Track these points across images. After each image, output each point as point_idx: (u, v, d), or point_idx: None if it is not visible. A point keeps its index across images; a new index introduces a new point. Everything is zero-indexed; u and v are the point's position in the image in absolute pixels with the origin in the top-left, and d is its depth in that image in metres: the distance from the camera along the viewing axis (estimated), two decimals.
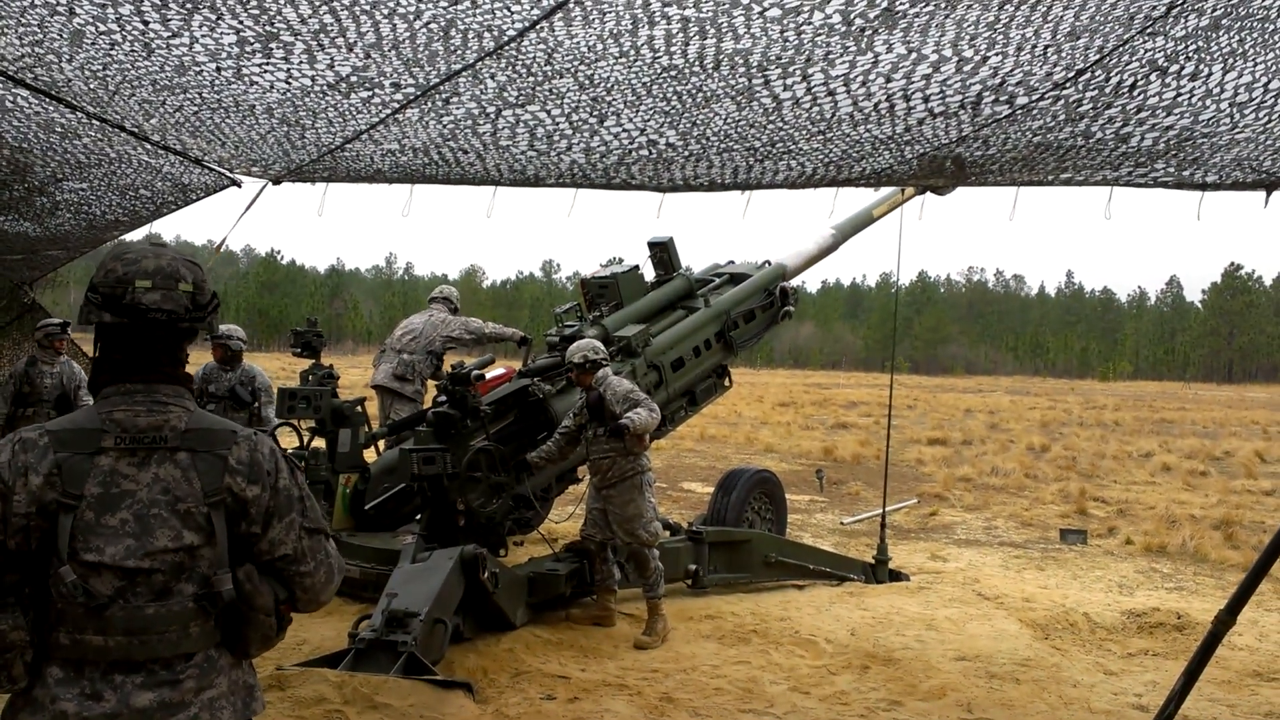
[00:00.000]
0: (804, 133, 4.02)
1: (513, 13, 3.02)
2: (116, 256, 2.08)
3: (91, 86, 3.82)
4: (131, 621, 1.96)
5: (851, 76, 3.41)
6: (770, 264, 9.70)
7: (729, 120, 3.91)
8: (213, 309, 2.15)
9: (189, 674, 2.00)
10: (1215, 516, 12.79)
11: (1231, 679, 6.11)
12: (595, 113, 3.88)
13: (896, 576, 8.47)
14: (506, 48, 3.26)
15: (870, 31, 3.04)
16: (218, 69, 3.55)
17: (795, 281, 9.85)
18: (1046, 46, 3.14)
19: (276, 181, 5.10)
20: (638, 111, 3.86)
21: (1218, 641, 4.12)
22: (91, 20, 3.19)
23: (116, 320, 2.04)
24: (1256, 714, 5.51)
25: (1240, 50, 3.13)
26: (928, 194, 7.91)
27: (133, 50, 3.41)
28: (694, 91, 3.62)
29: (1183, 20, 2.97)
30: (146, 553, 1.97)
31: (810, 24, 2.99)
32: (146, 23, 3.17)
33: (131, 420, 2.02)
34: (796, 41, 3.13)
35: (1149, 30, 3.01)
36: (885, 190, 9.58)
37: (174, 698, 1.98)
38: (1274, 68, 3.24)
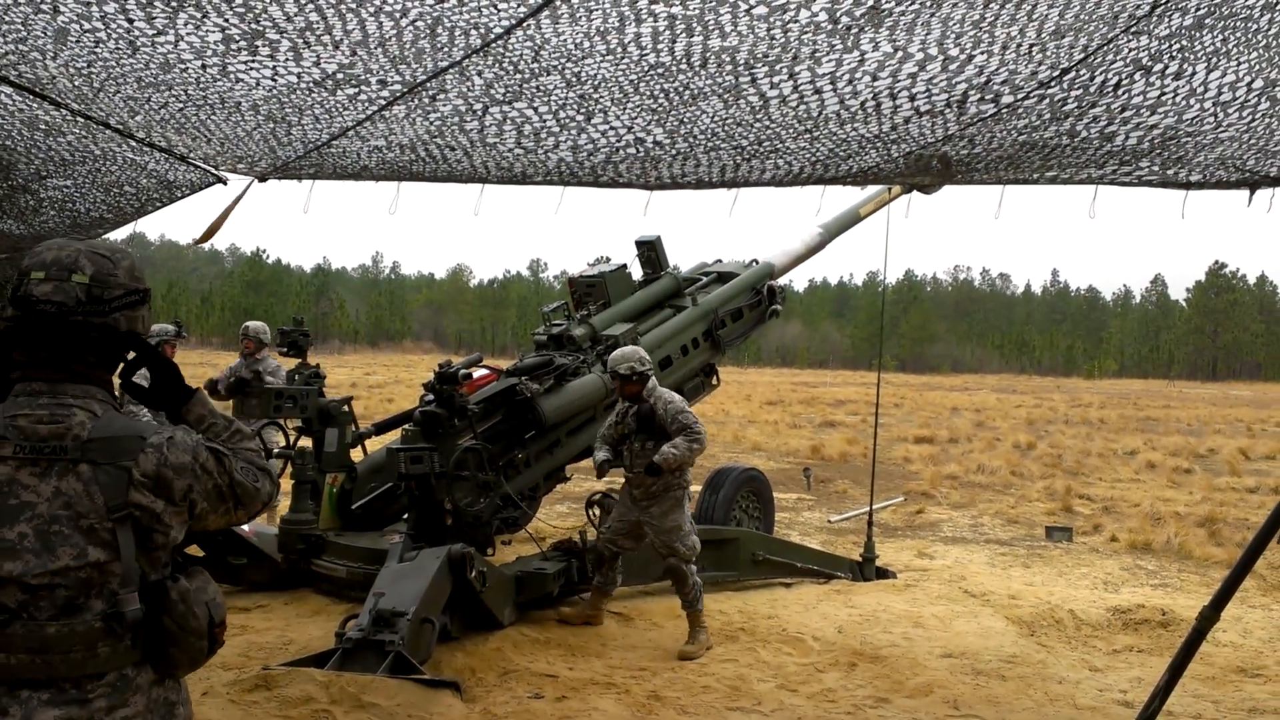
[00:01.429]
0: (791, 131, 4.03)
1: (499, 10, 3.02)
2: (30, 250, 2.03)
3: (76, 84, 3.80)
4: (32, 639, 1.88)
5: (838, 75, 3.42)
6: (758, 263, 9.72)
7: (716, 118, 3.92)
8: (123, 304, 2.03)
9: (99, 693, 1.91)
10: (1199, 514, 12.87)
11: (1216, 675, 6.15)
12: (582, 110, 3.88)
13: (883, 574, 8.50)
14: (493, 45, 3.26)
15: (856, 30, 3.05)
16: (203, 66, 3.53)
17: (783, 280, 9.88)
18: (1032, 45, 3.15)
19: (262, 179, 5.09)
20: (625, 109, 3.86)
21: (1202, 638, 4.15)
22: (76, 18, 3.18)
23: (15, 313, 1.98)
24: (1240, 710, 5.55)
25: (1224, 49, 3.15)
26: (914, 192, 7.92)
27: (117, 48, 3.40)
28: (681, 89, 3.63)
29: (1167, 19, 2.99)
30: (48, 571, 1.88)
31: (797, 22, 3.00)
32: (131, 20, 3.16)
33: (33, 428, 1.93)
34: (783, 39, 3.14)
35: (1133, 29, 3.03)
36: (872, 189, 9.60)
37: (82, 716, 1.89)
38: (1257, 67, 3.26)
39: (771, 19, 2.99)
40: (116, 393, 2.13)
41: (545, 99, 3.77)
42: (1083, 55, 3.23)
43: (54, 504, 1.90)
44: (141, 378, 2.17)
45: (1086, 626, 7.17)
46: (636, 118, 3.94)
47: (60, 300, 1.96)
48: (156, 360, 2.15)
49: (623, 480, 6.70)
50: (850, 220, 10.12)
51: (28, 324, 1.98)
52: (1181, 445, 22.01)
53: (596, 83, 3.59)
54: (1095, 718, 5.33)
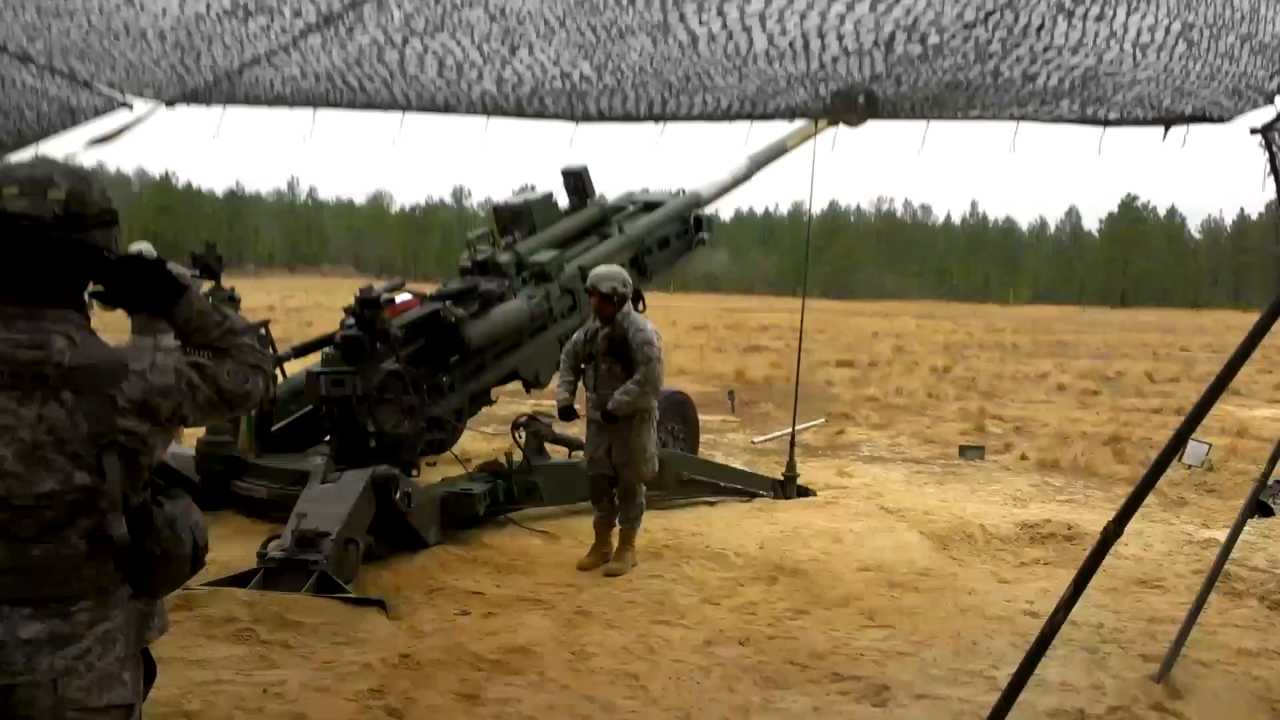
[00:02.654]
0: (719, 69, 4.02)
1: None
2: (1, 166, 1.97)
3: None
4: (16, 560, 1.89)
5: (767, 13, 3.41)
6: (685, 192, 9.70)
7: (644, 54, 3.88)
8: (99, 223, 2.00)
9: (82, 607, 1.93)
10: (1106, 433, 13.36)
11: (1118, 586, 6.44)
12: (506, 43, 3.80)
13: (804, 492, 8.69)
14: None
15: None
16: None
17: (709, 209, 9.88)
18: None
19: (170, 104, 4.91)
20: (551, 43, 3.80)
21: (1105, 551, 4.32)
22: None
23: None
24: (1140, 619, 5.82)
25: None
26: (840, 125, 7.94)
27: None
28: (609, 25, 3.58)
29: None
30: (32, 494, 1.87)
31: None
32: None
33: (12, 353, 1.88)
34: None
35: None
36: (799, 120, 9.61)
37: (64, 630, 1.91)
38: (1175, 10, 3.33)
39: None
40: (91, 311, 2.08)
41: (468, 30, 3.68)
42: None
43: (38, 429, 1.88)
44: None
45: (996, 540, 7.44)
46: (563, 53, 3.88)
47: (37, 215, 1.92)
48: (139, 264, 2.06)
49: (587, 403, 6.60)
50: (777, 152, 10.11)
51: (1, 242, 1.92)
52: (1090, 369, 22.75)
53: (521, 16, 3.52)
54: (1004, 627, 5.56)
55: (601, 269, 6.61)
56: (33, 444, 1.87)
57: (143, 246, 8.30)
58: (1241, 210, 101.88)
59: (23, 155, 6.38)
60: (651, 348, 6.38)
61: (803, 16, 3.43)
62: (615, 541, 6.46)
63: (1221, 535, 5.76)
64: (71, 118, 5.41)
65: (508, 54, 3.90)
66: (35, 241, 1.93)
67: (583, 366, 6.62)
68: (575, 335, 6.78)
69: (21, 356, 1.89)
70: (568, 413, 6.69)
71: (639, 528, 6.45)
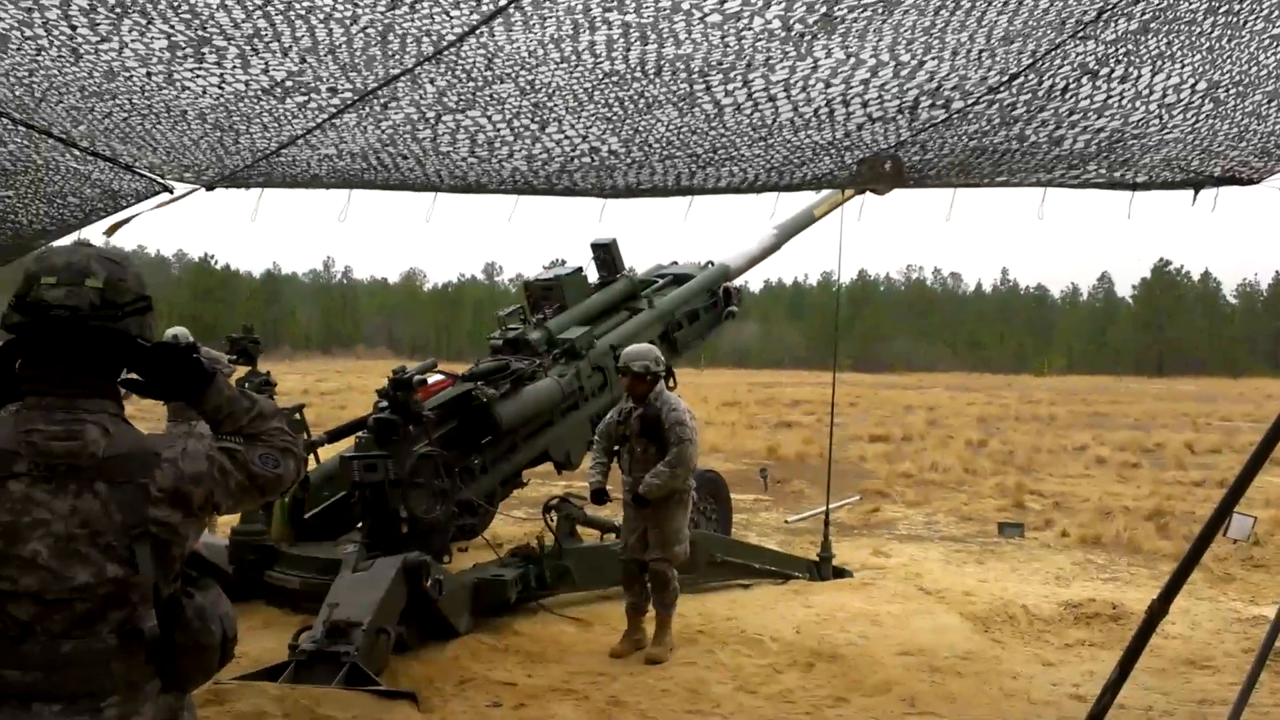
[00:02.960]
0: (745, 139, 4.05)
1: (452, 18, 2.99)
2: (35, 257, 1.99)
3: (17, 93, 3.72)
4: (48, 657, 1.87)
5: (791, 82, 3.44)
6: (714, 264, 9.74)
7: (671, 126, 3.92)
8: (135, 310, 2.00)
9: (111, 702, 1.91)
10: (1147, 508, 13.09)
11: (1166, 667, 6.26)
12: (537, 119, 3.86)
13: (840, 573, 8.55)
14: (446, 53, 3.23)
15: (810, 37, 3.06)
16: (148, 74, 3.46)
17: (738, 281, 9.91)
18: (981, 51, 3.19)
19: (210, 187, 5.01)
20: (579, 118, 3.85)
21: (1152, 630, 4.21)
22: (16, 25, 3.09)
23: (23, 320, 1.93)
24: (1190, 701, 5.65)
25: (1168, 52, 3.21)
26: (867, 194, 7.98)
27: (60, 55, 3.32)
28: (635, 97, 3.62)
29: (1113, 24, 3.03)
30: (66, 588, 1.86)
31: (750, 29, 3.01)
32: (74, 27, 3.08)
33: (47, 445, 1.89)
34: (737, 47, 3.15)
35: (1080, 34, 3.08)
36: (826, 190, 9.67)
37: None
38: (1200, 69, 3.33)
39: (725, 27, 3.00)
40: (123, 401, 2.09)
41: (499, 107, 3.74)
42: (1031, 60, 3.27)
43: (71, 522, 1.87)
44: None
45: (1039, 621, 7.27)
46: (591, 126, 3.93)
47: (75, 305, 1.92)
48: (171, 351, 2.08)
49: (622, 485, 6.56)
50: (804, 222, 10.17)
51: (38, 331, 1.93)
52: (1129, 440, 22.39)
53: (550, 91, 3.57)
54: (1049, 712, 5.40)
55: (633, 348, 6.59)
56: (66, 537, 1.87)
57: (178, 331, 8.40)
58: (1277, 273, 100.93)
59: (64, 241, 6.53)
60: (684, 428, 6.33)
61: (827, 84, 3.46)
62: (649, 628, 6.36)
63: (1271, 611, 5.60)
64: (114, 202, 5.53)
65: (538, 130, 3.96)
66: (72, 331, 1.93)
67: (616, 448, 6.57)
68: (608, 416, 6.75)
69: (56, 449, 1.89)
70: (600, 495, 6.64)
71: (674, 613, 6.33)
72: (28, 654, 1.87)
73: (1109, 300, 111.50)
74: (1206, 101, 3.57)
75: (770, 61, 3.25)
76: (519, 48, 3.21)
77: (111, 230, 5.21)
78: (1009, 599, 7.68)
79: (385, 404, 6.66)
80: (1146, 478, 16.46)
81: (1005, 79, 3.41)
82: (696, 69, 3.34)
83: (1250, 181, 4.43)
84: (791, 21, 2.96)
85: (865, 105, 3.63)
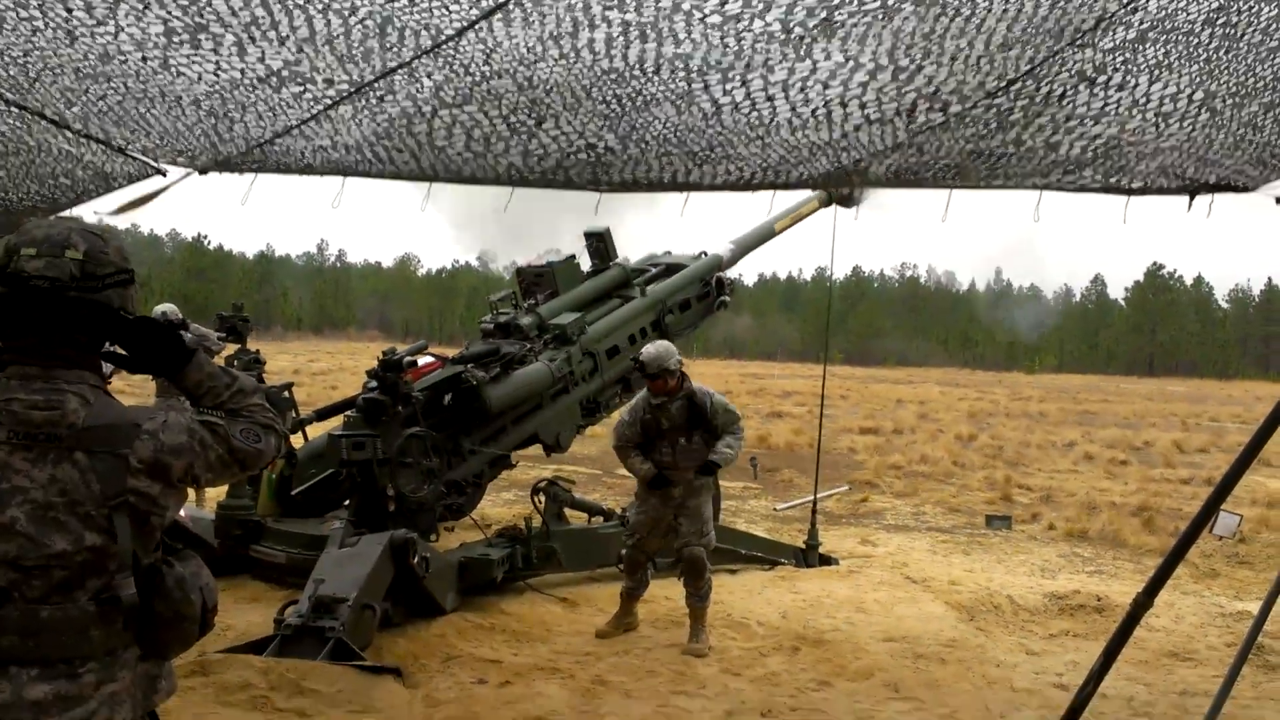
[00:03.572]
0: (743, 138, 4.04)
1: (451, 12, 2.97)
2: (18, 229, 1.98)
3: (11, 73, 3.69)
4: (26, 622, 1.88)
5: (790, 83, 3.44)
6: (706, 255, 9.74)
7: (668, 124, 3.92)
8: (116, 282, 2.00)
9: (89, 668, 1.92)
10: (1134, 503, 13.15)
11: (1149, 659, 6.29)
12: (534, 115, 3.85)
13: (827, 561, 8.57)
14: (444, 46, 3.21)
15: (809, 40, 3.06)
16: (143, 58, 3.44)
17: (732, 273, 9.90)
18: (980, 57, 3.19)
19: (203, 171, 4.99)
20: (577, 114, 3.84)
21: (1135, 622, 4.23)
22: (12, 5, 3.07)
23: (2, 291, 1.94)
24: (1171, 692, 5.68)
25: (1166, 62, 3.21)
26: (835, 208, 8.01)
27: (55, 37, 3.30)
28: (634, 95, 3.61)
29: (1111, 33, 3.04)
30: (43, 555, 1.87)
31: (750, 31, 3.01)
32: (70, 9, 3.06)
33: (26, 414, 1.90)
34: (736, 48, 3.14)
35: (1078, 42, 3.08)
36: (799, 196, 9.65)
37: (71, 691, 1.89)
38: (1198, 79, 3.33)
39: (725, 28, 2.99)
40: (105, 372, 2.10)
41: (496, 103, 3.73)
42: (1029, 67, 3.27)
43: (49, 490, 1.88)
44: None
45: (1024, 612, 7.30)
46: (589, 123, 3.92)
47: (54, 276, 1.93)
48: (151, 326, 2.08)
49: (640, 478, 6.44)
50: (799, 213, 10.16)
51: (18, 301, 1.93)
52: (1118, 438, 22.47)
53: (548, 87, 3.56)
54: (1032, 700, 5.42)
55: (652, 349, 6.51)
56: (45, 505, 1.88)
57: (166, 308, 8.37)
58: (1269, 280, 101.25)
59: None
60: (732, 411, 6.47)
61: (825, 86, 3.45)
62: (638, 614, 6.43)
63: (1254, 607, 5.63)
64: (106, 184, 5.50)
65: (534, 126, 3.94)
66: (52, 302, 1.94)
67: (657, 446, 6.42)
68: (624, 417, 6.62)
69: (35, 418, 1.90)
70: (662, 479, 6.40)
71: (709, 604, 6.24)
72: (5, 618, 1.87)
73: (1102, 302, 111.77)
74: (1203, 111, 3.58)
75: (769, 63, 3.25)
76: (518, 43, 3.20)
77: (122, 210, 5.18)
78: (994, 589, 7.71)
79: (375, 384, 6.65)
80: (1134, 474, 16.53)
81: (1003, 84, 3.41)
82: (695, 68, 3.33)
83: (1245, 189, 4.45)
84: (791, 25, 2.96)
85: (863, 107, 3.64)
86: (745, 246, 9.93)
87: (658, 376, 6.34)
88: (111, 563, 1.92)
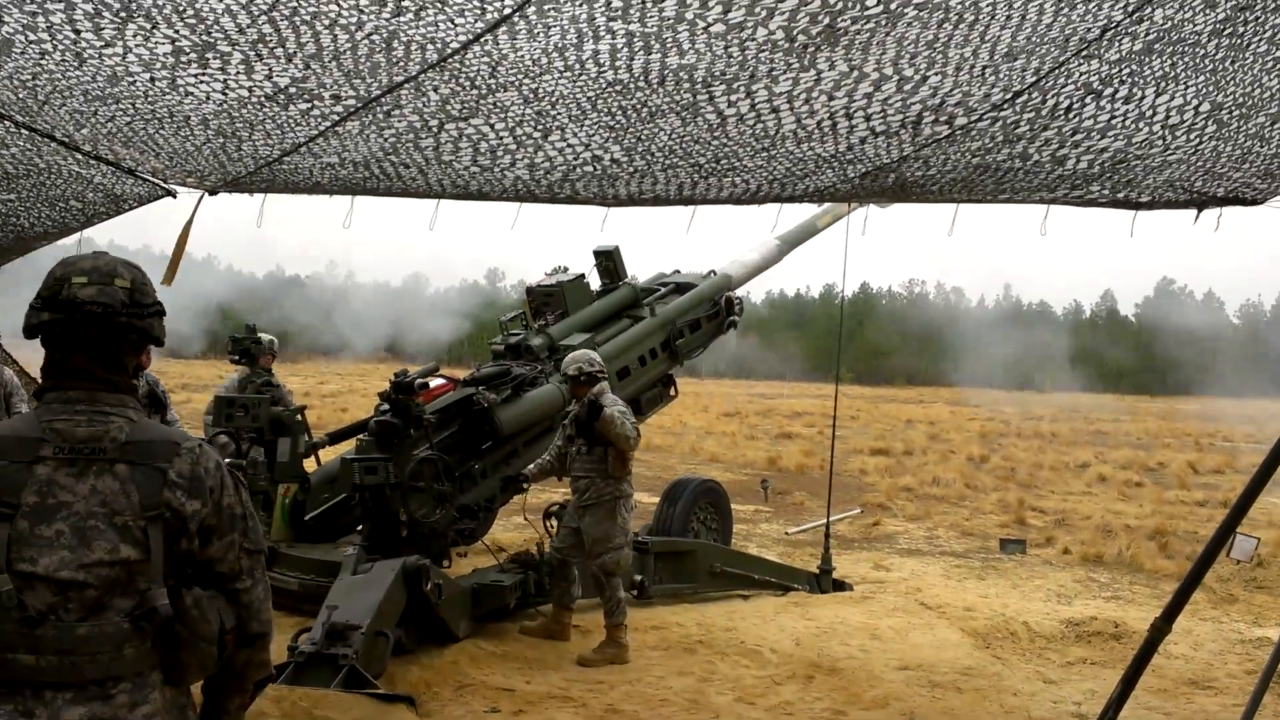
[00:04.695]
0: (748, 150, 4.03)
1: (456, 25, 2.97)
2: (60, 262, 2.07)
3: (20, 96, 3.70)
4: (63, 641, 1.90)
5: (795, 94, 3.42)
6: (716, 274, 9.73)
7: (674, 136, 3.91)
8: (156, 311, 2.13)
9: (121, 688, 1.95)
10: (1150, 526, 13.05)
11: (1168, 687, 6.22)
12: (540, 127, 3.85)
13: (840, 586, 8.51)
14: (450, 60, 3.21)
15: (813, 49, 3.05)
16: (151, 79, 3.45)
17: (740, 291, 9.89)
18: (985, 67, 3.17)
19: (213, 192, 5.00)
20: (582, 126, 3.83)
21: (1154, 649, 4.18)
22: (21, 29, 3.08)
23: (54, 317, 2.03)
24: None
25: (1172, 74, 3.20)
26: (870, 206, 7.98)
27: (64, 60, 3.31)
28: (639, 106, 3.61)
29: (1117, 44, 3.02)
30: (81, 565, 1.92)
31: (754, 40, 3.00)
32: (78, 31, 3.07)
33: (71, 430, 1.98)
34: (740, 58, 3.13)
35: (1084, 53, 3.06)
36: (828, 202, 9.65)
37: (105, 713, 1.92)
38: (1204, 91, 3.31)
39: (729, 37, 2.98)
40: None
41: (502, 115, 3.72)
42: (1035, 78, 3.26)
43: (90, 501, 1.95)
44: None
45: (1040, 638, 7.23)
46: (594, 135, 3.92)
47: (106, 302, 2.03)
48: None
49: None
50: (808, 232, 10.17)
51: (70, 327, 2.04)
52: (1132, 458, 22.34)
53: (554, 99, 3.56)
54: None
55: (572, 354, 6.70)
56: (85, 515, 1.94)
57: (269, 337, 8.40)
58: None
59: (66, 242, 6.50)
60: (627, 414, 6.45)
61: (830, 97, 3.44)
62: (566, 624, 6.53)
63: (1274, 633, 5.58)
64: (116, 205, 5.51)
65: (540, 138, 3.94)
66: (106, 324, 2.04)
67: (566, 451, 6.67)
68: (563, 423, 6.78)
69: (80, 433, 1.99)
70: (525, 473, 6.75)
71: (621, 621, 6.28)
72: (42, 638, 1.90)
73: (1112, 318, 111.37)
74: (1210, 123, 3.55)
75: (774, 72, 3.24)
76: (523, 56, 3.20)
77: (169, 277, 5.15)
78: (1010, 615, 7.64)
79: (386, 407, 6.65)
80: (1149, 496, 16.41)
81: (1009, 96, 3.39)
82: (700, 79, 3.32)
83: (1254, 202, 4.42)
84: (795, 33, 2.94)
85: (869, 119, 3.62)
86: (789, 243, 9.98)
87: (571, 380, 6.53)
88: (142, 580, 1.96)
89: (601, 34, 3.01)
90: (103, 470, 1.97)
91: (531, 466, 6.80)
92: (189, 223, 4.86)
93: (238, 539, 2.10)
